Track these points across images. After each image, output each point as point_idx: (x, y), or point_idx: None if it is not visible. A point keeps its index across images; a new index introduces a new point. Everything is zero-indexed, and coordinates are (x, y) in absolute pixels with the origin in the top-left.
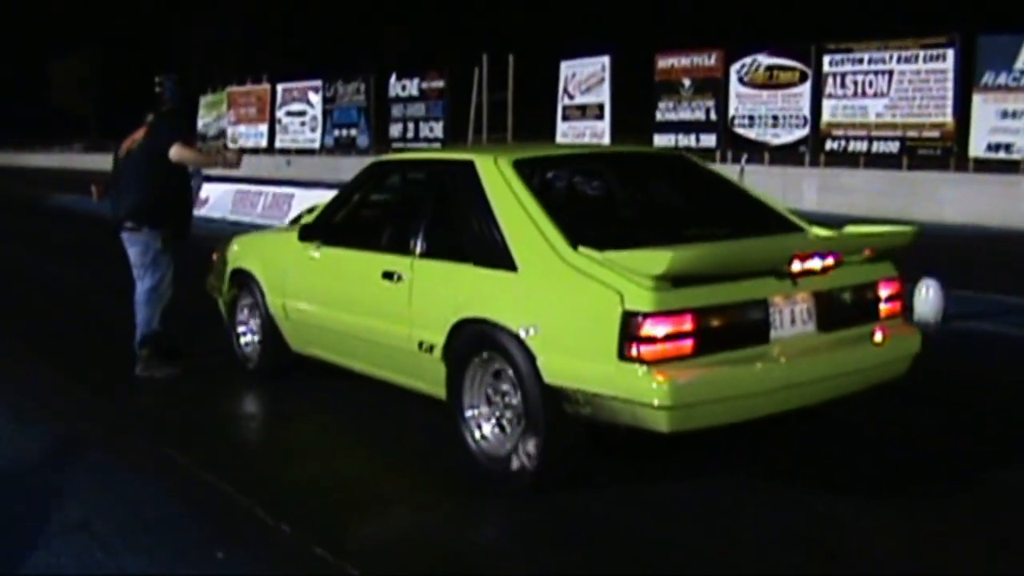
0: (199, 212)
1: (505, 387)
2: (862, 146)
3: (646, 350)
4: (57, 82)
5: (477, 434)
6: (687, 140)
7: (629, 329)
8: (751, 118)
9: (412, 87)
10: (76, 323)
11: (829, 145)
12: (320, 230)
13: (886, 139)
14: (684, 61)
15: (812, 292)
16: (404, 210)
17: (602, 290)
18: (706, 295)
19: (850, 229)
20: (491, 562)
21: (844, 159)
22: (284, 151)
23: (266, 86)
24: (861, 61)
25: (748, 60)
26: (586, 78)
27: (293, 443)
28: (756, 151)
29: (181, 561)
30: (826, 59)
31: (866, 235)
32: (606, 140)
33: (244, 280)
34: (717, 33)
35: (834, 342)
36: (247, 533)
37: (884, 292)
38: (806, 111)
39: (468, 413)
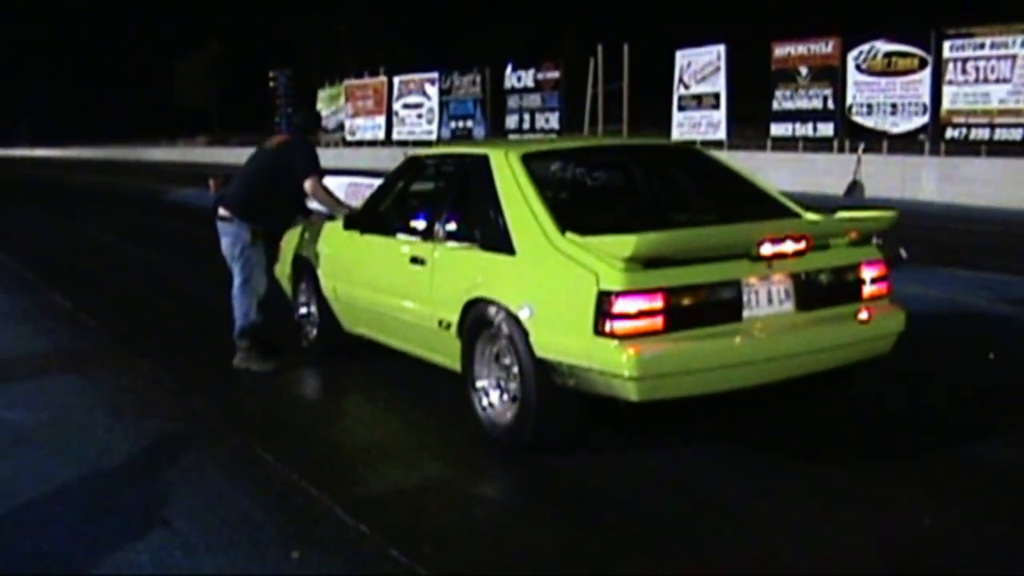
0: (311, 205)
1: (508, 360)
2: (984, 134)
3: (618, 326)
4: (181, 79)
5: (485, 402)
6: (804, 129)
7: (603, 306)
8: (869, 106)
9: (527, 78)
10: (180, 318)
11: (949, 133)
12: (362, 219)
13: (1009, 126)
14: (801, 49)
15: (789, 274)
16: (431, 200)
17: (581, 271)
18: (678, 275)
19: (839, 215)
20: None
21: (965, 148)
22: (401, 143)
23: (383, 79)
24: (983, 46)
25: (866, 47)
26: (702, 67)
27: (382, 441)
28: (874, 140)
29: (256, 561)
30: (946, 44)
31: (848, 220)
32: (722, 130)
33: (303, 266)
34: (834, 20)
35: (812, 320)
36: (325, 533)
37: (868, 274)
38: (926, 98)
39: (478, 384)
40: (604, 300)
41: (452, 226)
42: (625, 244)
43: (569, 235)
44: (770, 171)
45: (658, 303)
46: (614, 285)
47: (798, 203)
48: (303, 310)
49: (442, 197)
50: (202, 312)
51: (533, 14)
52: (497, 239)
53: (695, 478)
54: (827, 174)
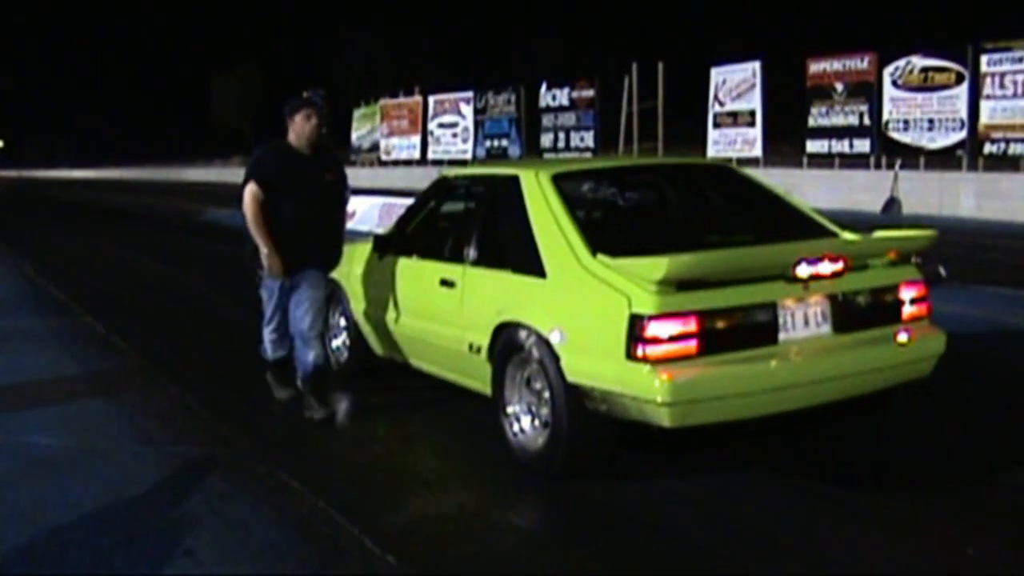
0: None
1: (539, 385)
2: (1023, 149)
3: (651, 350)
4: (217, 100)
5: (516, 427)
6: (840, 146)
7: (635, 330)
8: (906, 122)
9: (562, 96)
10: (212, 342)
11: (988, 148)
12: (391, 241)
13: None
14: (836, 65)
15: (826, 295)
16: (461, 221)
17: (613, 294)
18: (711, 298)
19: (877, 234)
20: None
21: (1004, 163)
22: (437, 163)
23: (418, 98)
24: (1021, 60)
25: (902, 62)
26: (737, 84)
27: (412, 467)
28: (911, 156)
29: None
30: (984, 58)
31: (886, 239)
32: (758, 147)
33: (333, 288)
34: (869, 35)
35: (851, 343)
36: (351, 563)
37: (907, 295)
38: (963, 113)
39: (509, 409)
40: (636, 324)
41: (482, 248)
42: (657, 266)
43: (600, 257)
44: (806, 188)
45: (692, 327)
46: (646, 309)
47: (835, 222)
48: (333, 332)
49: (472, 218)
50: (234, 335)
51: (568, 33)
52: (527, 261)
53: (728, 505)
54: (864, 191)
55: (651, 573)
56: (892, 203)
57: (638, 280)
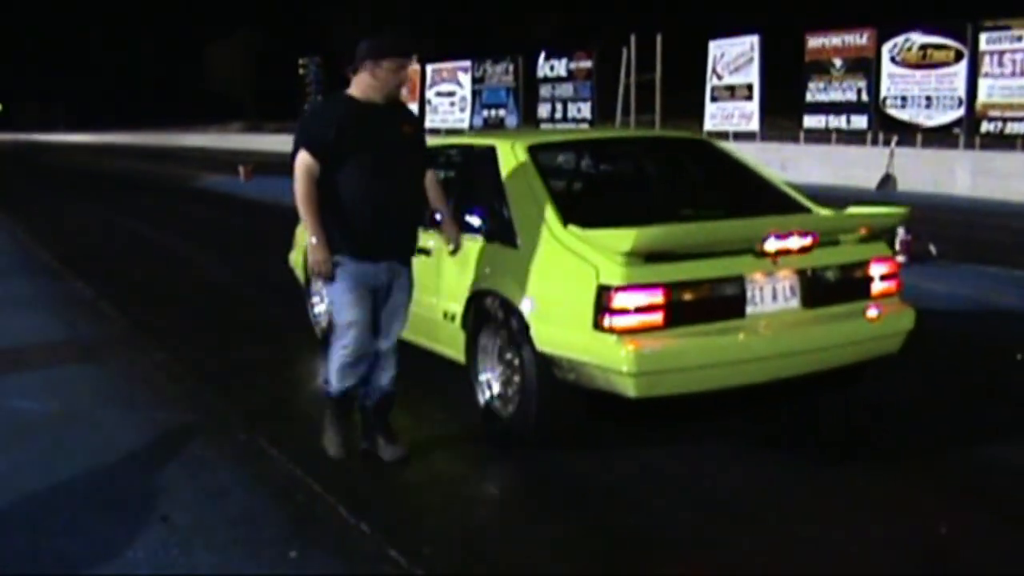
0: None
1: (510, 354)
2: (1020, 128)
3: (617, 321)
4: (213, 66)
5: (488, 395)
6: (837, 121)
7: (602, 301)
8: (904, 99)
9: (560, 67)
10: (202, 309)
11: (985, 127)
12: None
13: None
14: (835, 40)
15: (795, 270)
16: None
17: (581, 265)
18: (679, 271)
19: (849, 210)
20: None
21: (1001, 142)
22: (434, 131)
23: (416, 66)
24: (1020, 39)
25: (901, 39)
26: (735, 58)
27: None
28: (908, 133)
29: (254, 560)
30: (983, 37)
31: (858, 216)
32: (755, 121)
33: None
34: (869, 11)
35: (819, 318)
36: (325, 532)
37: (877, 271)
38: (961, 91)
39: (481, 377)
40: (603, 295)
41: (459, 217)
42: (625, 238)
43: (571, 228)
44: (802, 163)
45: (658, 298)
46: (613, 280)
47: (809, 198)
48: (315, 298)
49: (450, 187)
50: (225, 302)
51: (567, 3)
52: (501, 231)
53: (701, 476)
54: (860, 167)
55: (623, 544)
56: (887, 180)
57: (606, 251)
